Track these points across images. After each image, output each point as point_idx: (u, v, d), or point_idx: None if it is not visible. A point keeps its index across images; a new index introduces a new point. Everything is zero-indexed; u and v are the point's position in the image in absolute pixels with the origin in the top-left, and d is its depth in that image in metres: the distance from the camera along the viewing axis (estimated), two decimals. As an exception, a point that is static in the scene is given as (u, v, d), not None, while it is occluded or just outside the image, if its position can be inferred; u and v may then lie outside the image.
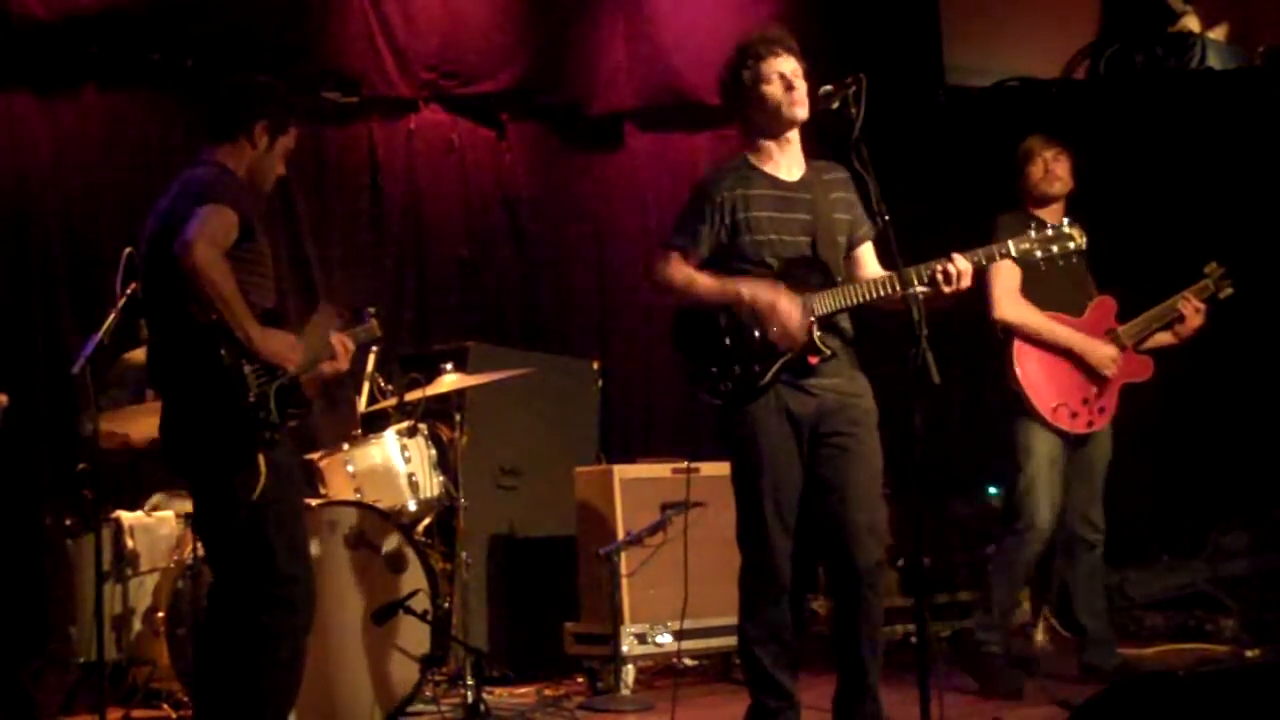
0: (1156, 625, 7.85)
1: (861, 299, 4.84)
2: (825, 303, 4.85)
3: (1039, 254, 4.94)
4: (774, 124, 4.95)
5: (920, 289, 4.65)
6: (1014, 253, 4.94)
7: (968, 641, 6.33)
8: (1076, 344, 6.25)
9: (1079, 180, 6.53)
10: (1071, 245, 4.94)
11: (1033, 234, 4.95)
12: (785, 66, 4.91)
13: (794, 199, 4.95)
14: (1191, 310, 6.35)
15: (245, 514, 4.60)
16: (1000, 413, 6.34)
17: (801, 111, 4.90)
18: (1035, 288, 6.17)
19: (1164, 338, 6.44)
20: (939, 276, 4.73)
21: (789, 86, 4.89)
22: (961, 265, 4.74)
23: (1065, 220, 5.00)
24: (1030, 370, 6.23)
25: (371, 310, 5.56)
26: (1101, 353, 6.27)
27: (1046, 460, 6.23)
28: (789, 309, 4.78)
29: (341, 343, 5.07)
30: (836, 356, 4.90)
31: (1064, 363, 6.27)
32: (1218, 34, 9.54)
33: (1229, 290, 6.44)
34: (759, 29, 5.14)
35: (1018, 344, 6.23)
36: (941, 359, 4.34)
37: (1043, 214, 6.36)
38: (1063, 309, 6.30)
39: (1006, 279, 6.17)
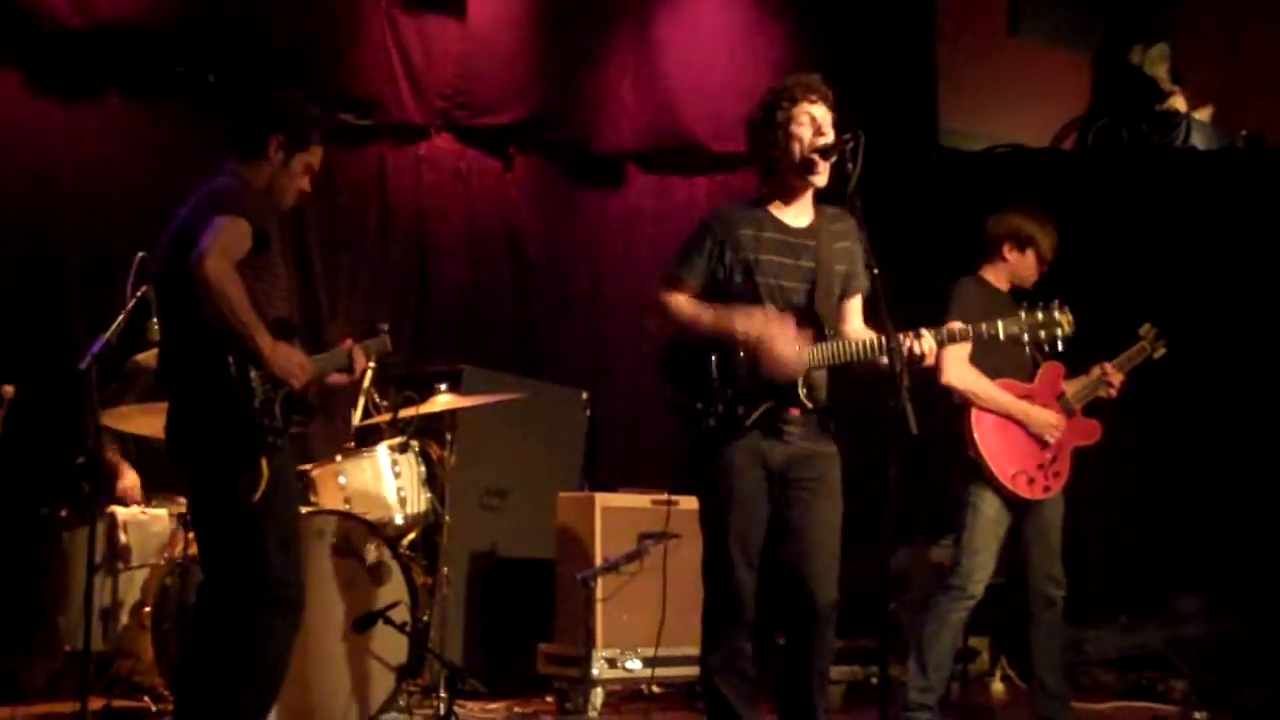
0: (1110, 683, 7.85)
1: (850, 358, 4.81)
2: (815, 356, 4.83)
3: (1026, 338, 4.91)
4: (797, 170, 4.92)
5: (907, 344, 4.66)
6: (1002, 335, 4.91)
7: (898, 715, 6.05)
8: (1017, 412, 6.19)
9: (1063, 245, 6.54)
10: (1059, 333, 4.86)
11: (1023, 316, 4.90)
12: (817, 111, 4.87)
13: (800, 246, 4.90)
14: (1113, 374, 6.37)
15: (242, 515, 4.59)
16: (951, 473, 6.29)
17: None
18: (986, 355, 6.10)
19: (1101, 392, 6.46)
20: (904, 349, 4.68)
21: (818, 133, 4.87)
22: (927, 346, 4.71)
23: (1056, 302, 4.94)
24: (988, 438, 6.15)
25: (384, 327, 5.59)
26: (1041, 419, 6.21)
27: (992, 522, 6.18)
28: (784, 344, 4.77)
29: (358, 354, 5.08)
30: (815, 413, 4.89)
31: (1017, 430, 6.19)
32: (1203, 115, 9.61)
33: (1162, 350, 6.47)
34: (796, 75, 5.09)
35: (975, 412, 6.15)
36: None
37: (1002, 286, 6.36)
38: (1014, 375, 6.25)
39: (957, 346, 6.01)
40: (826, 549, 4.88)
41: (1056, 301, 4.88)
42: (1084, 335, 5.04)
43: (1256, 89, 9.78)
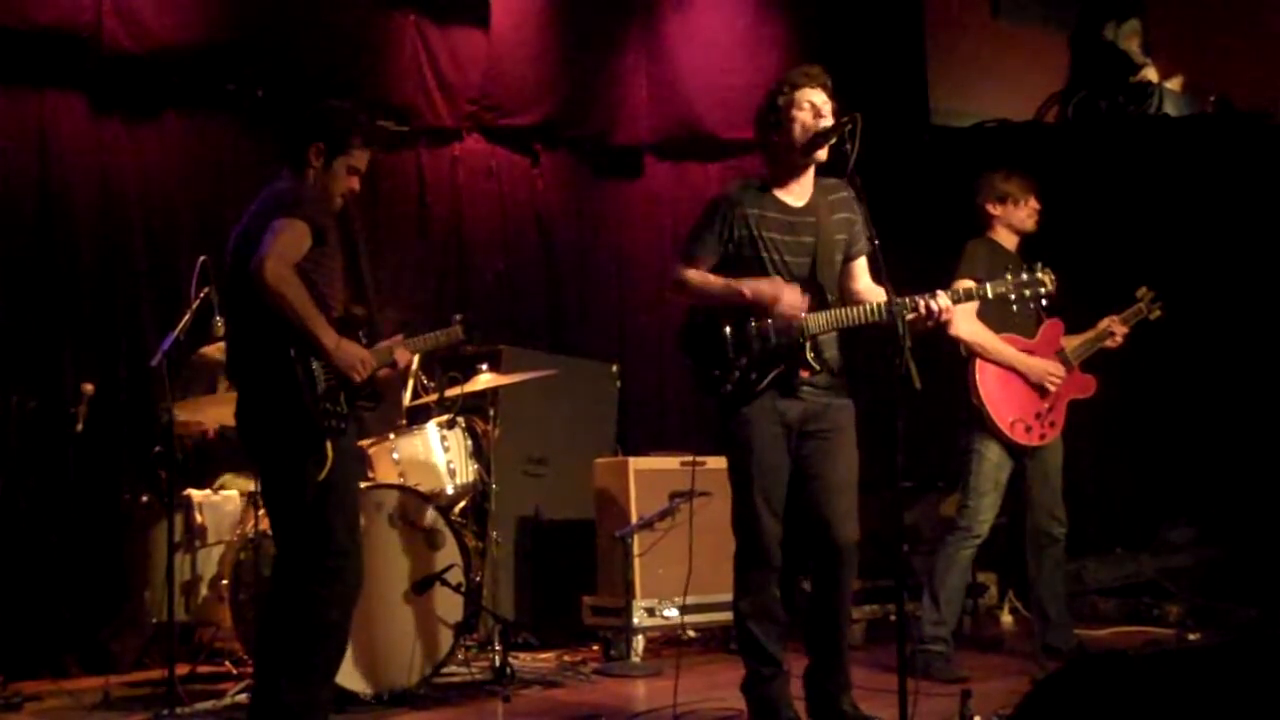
0: (1109, 610, 7.83)
1: (851, 322, 4.82)
2: (818, 322, 4.83)
3: (1013, 296, 4.92)
4: (798, 151, 4.88)
5: (909, 315, 4.64)
6: (990, 295, 4.92)
7: (915, 648, 6.05)
8: (1019, 364, 6.22)
9: (1049, 211, 6.54)
10: (1043, 290, 4.88)
11: (1009, 278, 4.90)
12: (817, 98, 4.86)
13: (800, 224, 4.90)
14: (1118, 326, 6.42)
15: (310, 495, 4.60)
16: (958, 422, 6.30)
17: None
18: (993, 312, 6.09)
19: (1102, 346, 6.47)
20: (922, 309, 4.70)
21: (817, 115, 4.86)
22: (943, 302, 4.72)
23: (1039, 264, 4.94)
24: (990, 388, 6.18)
25: (459, 317, 5.59)
26: (1041, 369, 6.23)
27: (994, 467, 6.21)
28: (790, 295, 4.78)
29: (400, 352, 5.07)
30: (824, 374, 4.88)
31: (1018, 381, 6.22)
32: (1174, 84, 9.54)
33: (1158, 312, 6.47)
34: (799, 66, 5.07)
35: (978, 363, 6.17)
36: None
37: (1009, 244, 6.36)
38: (1017, 331, 6.26)
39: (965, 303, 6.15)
40: (845, 492, 4.89)
41: (1039, 264, 4.90)
42: (1069, 290, 5.05)
43: (1223, 57, 9.71)
